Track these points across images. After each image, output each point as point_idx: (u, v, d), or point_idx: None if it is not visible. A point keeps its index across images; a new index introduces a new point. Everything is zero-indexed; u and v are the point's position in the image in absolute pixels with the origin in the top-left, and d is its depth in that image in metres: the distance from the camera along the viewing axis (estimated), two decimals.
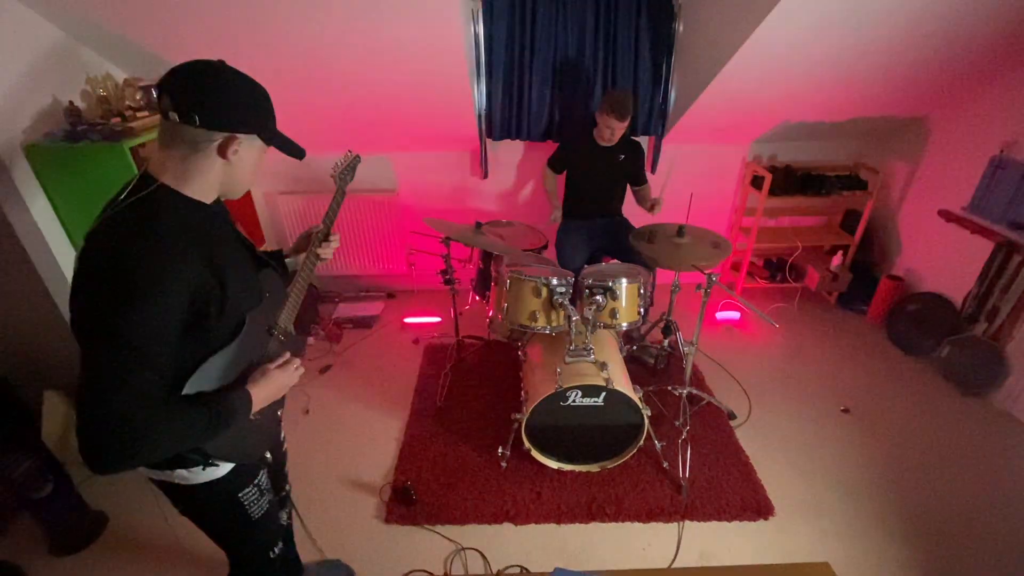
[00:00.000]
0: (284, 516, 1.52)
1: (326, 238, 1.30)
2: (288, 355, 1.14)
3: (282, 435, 1.46)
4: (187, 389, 0.94)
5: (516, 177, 3.27)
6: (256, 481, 1.19)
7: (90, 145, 2.00)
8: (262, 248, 1.52)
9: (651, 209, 2.68)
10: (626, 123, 2.52)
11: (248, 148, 0.95)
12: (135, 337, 0.80)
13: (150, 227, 0.85)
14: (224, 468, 1.10)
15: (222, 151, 0.91)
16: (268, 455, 1.25)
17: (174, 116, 0.87)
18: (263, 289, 1.08)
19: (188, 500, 1.13)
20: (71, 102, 2.08)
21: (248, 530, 1.22)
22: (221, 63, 0.91)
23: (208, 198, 0.97)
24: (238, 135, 0.91)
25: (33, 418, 2.12)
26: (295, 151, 1.05)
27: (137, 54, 2.33)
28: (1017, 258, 2.52)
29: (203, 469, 1.06)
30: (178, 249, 0.86)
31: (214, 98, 0.88)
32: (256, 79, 0.96)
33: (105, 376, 0.80)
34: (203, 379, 0.97)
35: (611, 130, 2.54)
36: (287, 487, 1.53)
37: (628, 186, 2.89)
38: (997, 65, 2.46)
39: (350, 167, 1.42)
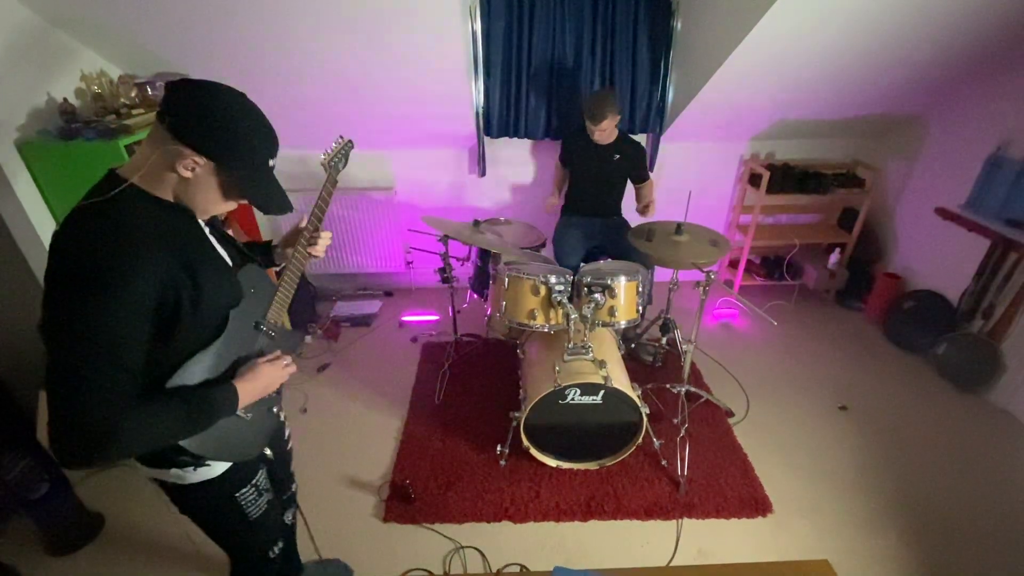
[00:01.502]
0: (289, 516, 1.51)
1: (315, 232, 1.26)
2: (278, 352, 1.12)
3: (287, 433, 1.45)
4: (171, 385, 0.93)
5: (514, 175, 3.26)
6: (254, 481, 1.18)
7: (85, 143, 1.99)
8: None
9: (643, 211, 2.67)
10: (604, 123, 2.49)
11: (208, 175, 0.91)
12: (98, 334, 0.80)
13: (114, 225, 0.84)
14: (218, 468, 1.09)
15: (171, 161, 0.88)
16: (268, 452, 1.24)
17: (156, 112, 0.89)
18: (244, 285, 1.06)
19: (185, 499, 1.12)
20: (65, 99, 2.07)
21: (246, 530, 1.21)
22: (241, 95, 0.92)
23: (174, 198, 0.95)
24: (195, 154, 0.88)
25: (28, 418, 2.11)
26: (269, 205, 0.99)
27: (132, 51, 2.32)
28: (1013, 255, 2.53)
29: (194, 469, 1.05)
30: (143, 246, 0.84)
31: (192, 111, 0.87)
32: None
33: (69, 373, 0.79)
34: (189, 376, 0.96)
35: (593, 131, 2.55)
36: (293, 487, 1.52)
37: (630, 185, 2.89)
38: (994, 64, 2.47)
39: (342, 153, 1.36)
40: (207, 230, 1.03)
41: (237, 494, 1.15)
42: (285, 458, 1.45)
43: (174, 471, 1.04)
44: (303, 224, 1.26)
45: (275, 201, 1.01)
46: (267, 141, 0.96)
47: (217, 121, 0.89)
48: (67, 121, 2.04)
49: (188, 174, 0.90)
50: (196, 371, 0.97)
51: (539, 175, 3.23)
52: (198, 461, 1.04)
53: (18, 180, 1.98)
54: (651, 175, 3.11)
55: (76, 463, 0.81)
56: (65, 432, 0.80)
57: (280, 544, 1.35)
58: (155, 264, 0.85)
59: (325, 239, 1.28)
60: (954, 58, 2.41)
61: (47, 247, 2.04)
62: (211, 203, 0.97)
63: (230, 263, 1.06)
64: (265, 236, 3.29)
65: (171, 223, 0.92)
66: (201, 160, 0.89)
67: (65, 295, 0.80)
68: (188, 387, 0.96)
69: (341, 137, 1.40)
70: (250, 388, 1.03)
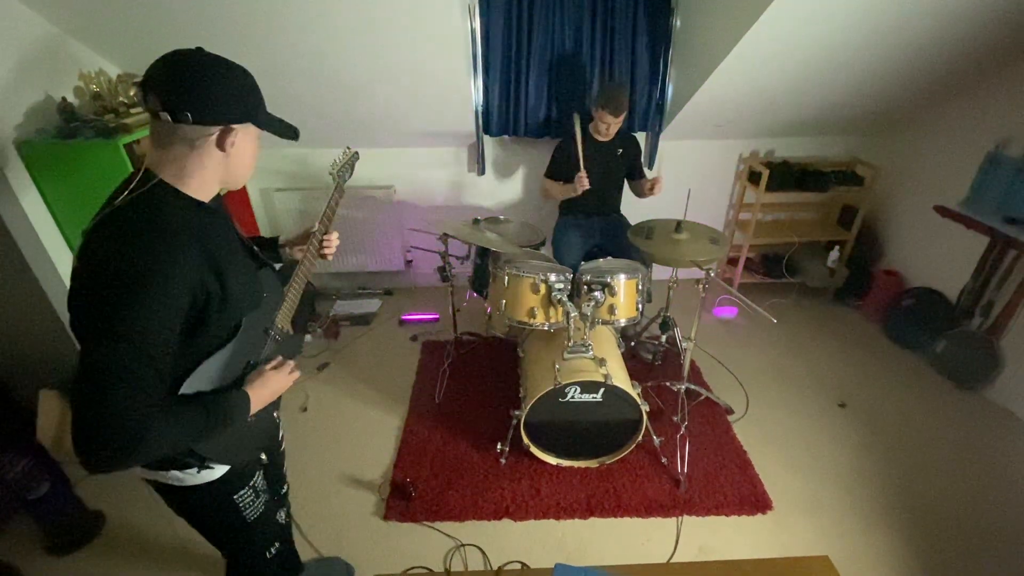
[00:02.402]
0: (283, 515, 1.52)
1: (325, 237, 1.29)
2: (281, 358, 1.13)
3: (280, 435, 1.45)
4: (184, 389, 0.94)
5: (514, 174, 3.26)
6: (252, 483, 1.19)
7: (84, 142, 1.98)
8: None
9: (651, 190, 2.62)
10: (621, 118, 2.51)
11: (244, 137, 0.94)
12: (134, 334, 0.79)
13: (151, 225, 0.84)
14: (219, 470, 1.09)
15: (221, 144, 0.90)
16: (263, 456, 1.24)
17: (166, 116, 0.85)
18: (262, 290, 1.06)
19: (182, 501, 1.12)
20: (64, 98, 2.06)
21: (244, 532, 1.22)
22: (200, 51, 0.88)
23: (207, 196, 0.96)
24: (234, 126, 0.90)
25: (28, 418, 2.10)
26: (289, 132, 1.03)
27: (131, 48, 2.31)
28: (1012, 253, 2.53)
29: (197, 472, 1.05)
30: (178, 248, 0.85)
31: (204, 92, 0.86)
32: (252, 74, 0.94)
33: (103, 373, 0.79)
34: (201, 380, 0.96)
35: (606, 125, 2.54)
36: (285, 487, 1.53)
37: (626, 182, 2.89)
38: (993, 61, 2.47)
39: (349, 164, 1.40)
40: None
41: (235, 496, 1.15)
42: (278, 460, 1.46)
43: (173, 473, 1.04)
44: (314, 228, 1.28)
45: (286, 124, 1.03)
46: (252, 78, 0.96)
47: (227, 86, 0.89)
48: (66, 120, 2.04)
49: (232, 149, 0.91)
50: (209, 373, 0.98)
51: (538, 174, 3.22)
52: (201, 463, 1.04)
53: (17, 179, 1.97)
54: (651, 173, 3.12)
55: (103, 466, 0.80)
56: (95, 434, 0.79)
57: (277, 544, 1.35)
58: (190, 264, 0.85)
59: (334, 241, 1.30)
60: (953, 55, 2.40)
61: (46, 246, 2.07)
62: (250, 164, 1.00)
63: (253, 266, 1.07)
64: (263, 231, 3.28)
65: (204, 224, 0.93)
66: (239, 125, 0.91)
67: (104, 295, 0.80)
68: (205, 393, 0.96)
69: (348, 148, 1.42)
70: (260, 394, 1.04)
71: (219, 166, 0.93)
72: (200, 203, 0.94)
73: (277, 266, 1.28)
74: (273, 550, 1.34)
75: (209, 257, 0.90)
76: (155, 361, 0.82)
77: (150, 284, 0.80)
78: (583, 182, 2.53)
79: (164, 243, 0.83)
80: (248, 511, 1.19)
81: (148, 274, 0.80)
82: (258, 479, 1.21)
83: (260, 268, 1.10)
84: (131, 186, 0.88)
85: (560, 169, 2.74)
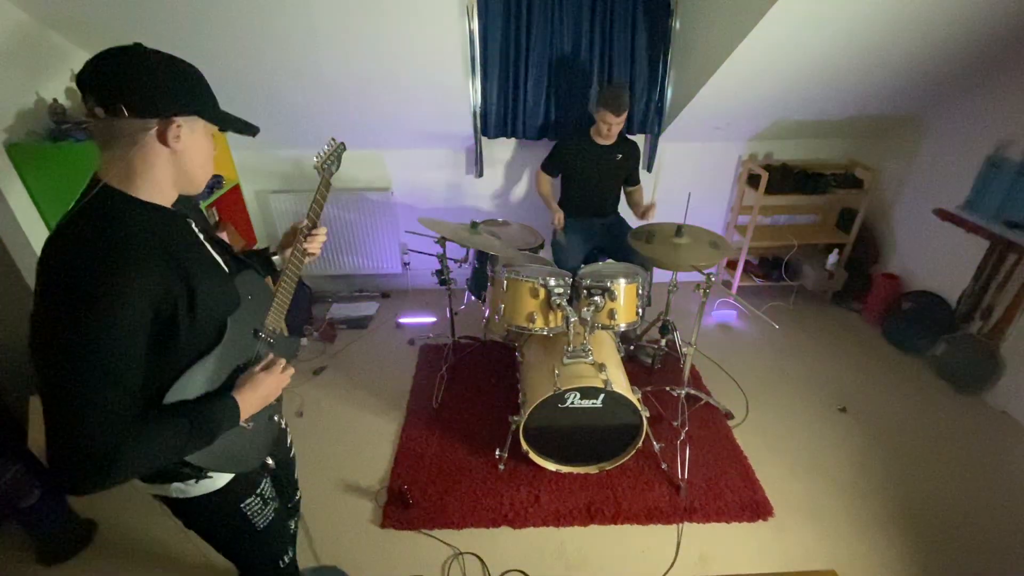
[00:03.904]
0: (293, 524, 1.49)
1: (311, 232, 1.24)
2: (272, 356, 1.09)
3: (289, 441, 1.42)
4: (170, 398, 0.90)
5: (512, 176, 3.24)
6: (258, 490, 1.16)
7: (75, 144, 1.96)
8: (254, 248, 1.48)
9: (643, 216, 2.64)
10: (623, 117, 2.49)
11: (191, 132, 0.88)
12: (93, 354, 0.76)
13: (103, 236, 0.80)
14: (221, 479, 1.06)
15: (162, 138, 0.84)
16: (270, 462, 1.21)
17: (100, 112, 0.80)
18: (241, 292, 1.02)
19: (189, 513, 1.09)
20: (55, 100, 2.03)
21: (254, 541, 1.19)
22: (138, 45, 0.84)
23: (166, 199, 0.91)
24: (176, 119, 0.85)
25: (19, 425, 2.07)
26: (245, 129, 0.98)
27: None
28: (1012, 256, 2.52)
29: (196, 482, 1.02)
30: (134, 258, 0.80)
31: (138, 83, 0.81)
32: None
33: (67, 397, 0.75)
34: (188, 387, 0.93)
35: (608, 126, 2.52)
36: (297, 495, 1.50)
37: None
38: (992, 64, 2.46)
39: (335, 155, 1.34)
40: (201, 236, 0.99)
41: (242, 504, 1.13)
42: (288, 466, 1.43)
43: (176, 485, 1.01)
44: (301, 224, 1.24)
45: (242, 121, 0.98)
46: (196, 72, 0.91)
47: (164, 77, 0.85)
48: (57, 122, 2.01)
49: (180, 144, 0.86)
50: (196, 382, 0.94)
51: (536, 181, 3.21)
52: (200, 474, 1.01)
53: (7, 182, 1.94)
54: (650, 175, 3.10)
55: (80, 490, 0.77)
56: (66, 459, 0.76)
57: (290, 553, 1.32)
58: (150, 276, 0.81)
59: (321, 236, 1.26)
60: (952, 58, 2.40)
61: (37, 250, 2.03)
62: (204, 164, 0.94)
63: (226, 269, 1.03)
64: (259, 233, 3.25)
65: (164, 229, 0.88)
66: (183, 119, 0.86)
67: (59, 314, 0.76)
68: (189, 403, 0.92)
69: (333, 139, 1.37)
70: (250, 398, 1.00)
71: (167, 165, 0.88)
72: (156, 207, 0.89)
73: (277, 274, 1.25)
74: (286, 559, 1.31)
75: (174, 263, 0.85)
76: (120, 379, 0.79)
77: (106, 301, 0.76)
78: (558, 222, 2.70)
79: (113, 255, 0.78)
80: (257, 519, 1.16)
81: (103, 290, 0.76)
82: (265, 486, 1.18)
83: (241, 269, 1.06)
84: (82, 194, 0.84)
85: (556, 167, 2.77)
